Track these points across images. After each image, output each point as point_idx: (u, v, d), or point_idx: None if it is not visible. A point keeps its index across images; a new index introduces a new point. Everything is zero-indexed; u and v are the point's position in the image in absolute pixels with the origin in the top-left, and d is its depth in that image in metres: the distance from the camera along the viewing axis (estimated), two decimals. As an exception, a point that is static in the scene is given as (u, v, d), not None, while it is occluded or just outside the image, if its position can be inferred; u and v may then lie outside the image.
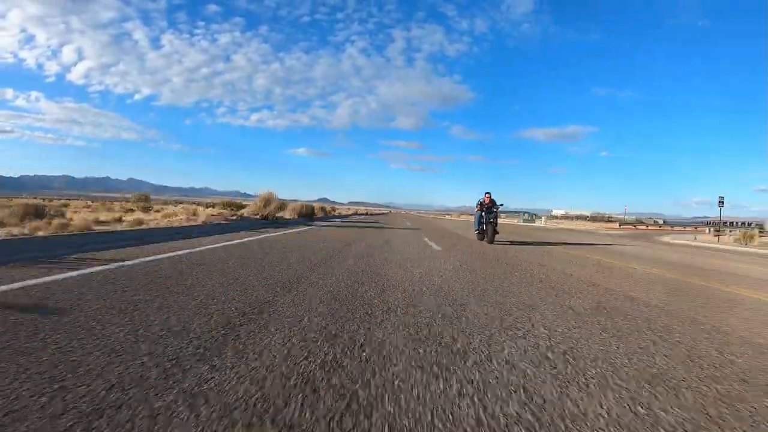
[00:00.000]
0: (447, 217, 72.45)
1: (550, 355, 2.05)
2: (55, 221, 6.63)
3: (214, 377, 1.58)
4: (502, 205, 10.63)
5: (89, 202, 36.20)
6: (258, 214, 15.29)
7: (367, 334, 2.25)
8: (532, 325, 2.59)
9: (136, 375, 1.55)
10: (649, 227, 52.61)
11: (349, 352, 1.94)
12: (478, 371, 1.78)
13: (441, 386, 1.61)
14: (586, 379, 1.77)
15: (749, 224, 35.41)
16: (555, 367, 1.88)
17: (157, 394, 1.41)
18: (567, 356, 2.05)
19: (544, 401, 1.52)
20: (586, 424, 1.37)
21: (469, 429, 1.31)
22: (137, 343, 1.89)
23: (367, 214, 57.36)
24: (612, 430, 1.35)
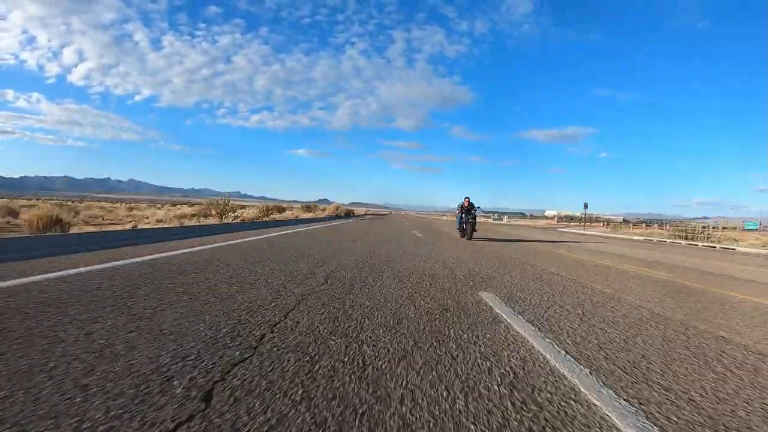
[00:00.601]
0: (443, 218, 75.16)
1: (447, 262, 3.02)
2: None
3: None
4: (479, 207, 12.34)
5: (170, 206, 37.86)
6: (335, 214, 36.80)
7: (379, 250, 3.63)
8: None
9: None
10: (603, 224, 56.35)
11: (370, 265, 4.25)
12: (417, 260, 3.02)
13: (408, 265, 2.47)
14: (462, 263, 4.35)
15: (661, 222, 44.02)
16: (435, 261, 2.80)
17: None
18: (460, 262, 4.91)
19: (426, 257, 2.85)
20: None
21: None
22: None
23: (374, 214, 73.43)
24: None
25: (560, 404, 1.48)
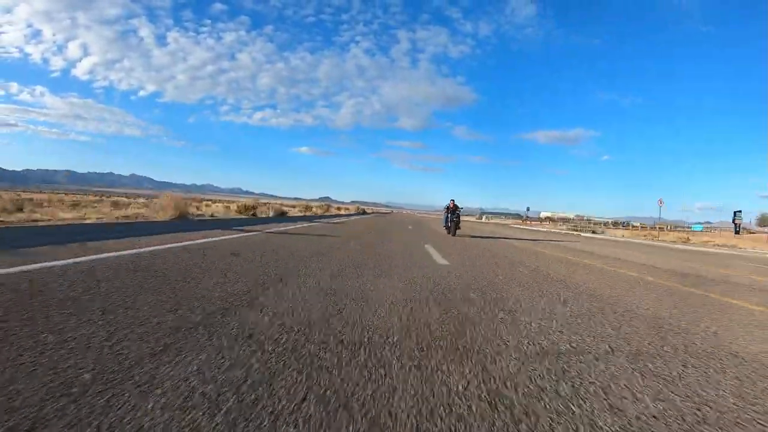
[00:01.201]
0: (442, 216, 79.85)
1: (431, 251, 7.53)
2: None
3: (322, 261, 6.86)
4: (462, 208, 14.35)
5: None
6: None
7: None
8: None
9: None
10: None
11: (374, 246, 7.12)
12: (405, 240, 7.07)
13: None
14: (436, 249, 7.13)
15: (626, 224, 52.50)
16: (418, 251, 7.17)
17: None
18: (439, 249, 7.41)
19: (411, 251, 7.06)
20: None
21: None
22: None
23: (377, 213, 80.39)
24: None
25: (426, 263, 5.86)
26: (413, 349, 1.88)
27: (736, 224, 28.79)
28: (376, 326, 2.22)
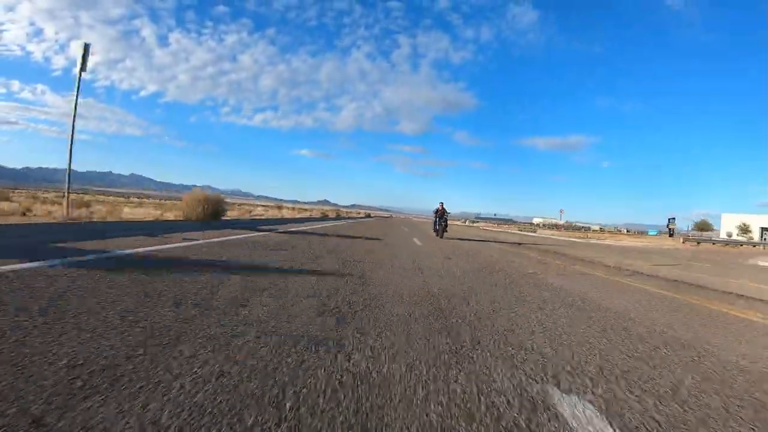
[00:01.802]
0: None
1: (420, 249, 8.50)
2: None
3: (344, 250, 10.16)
4: (449, 213, 15.44)
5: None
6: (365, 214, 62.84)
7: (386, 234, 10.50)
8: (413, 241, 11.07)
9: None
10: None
11: (381, 237, 10.69)
12: (404, 232, 9.83)
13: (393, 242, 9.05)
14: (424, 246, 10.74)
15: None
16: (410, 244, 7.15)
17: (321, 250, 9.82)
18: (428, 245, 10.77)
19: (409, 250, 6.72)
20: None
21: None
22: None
23: (378, 217, 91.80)
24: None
25: (410, 244, 9.46)
26: (401, 266, 5.49)
27: (670, 229, 34.80)
28: (385, 258, 5.91)
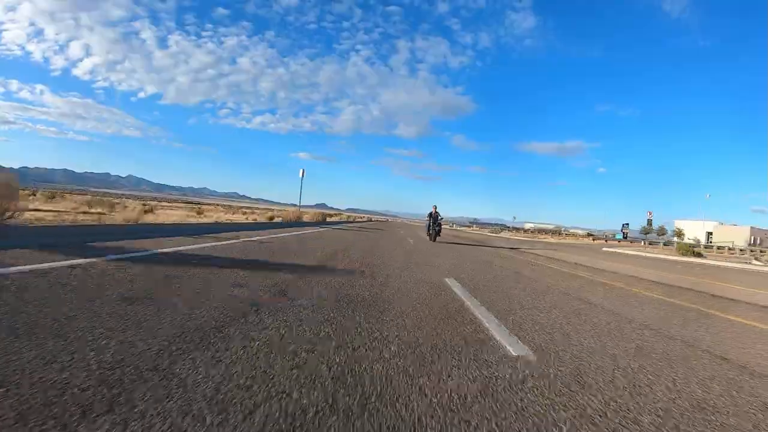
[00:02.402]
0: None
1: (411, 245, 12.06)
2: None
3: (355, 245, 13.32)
4: (442, 218, 16.47)
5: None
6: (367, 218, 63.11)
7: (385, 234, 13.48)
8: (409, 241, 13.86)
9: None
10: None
11: (383, 236, 13.68)
12: (398, 233, 13.06)
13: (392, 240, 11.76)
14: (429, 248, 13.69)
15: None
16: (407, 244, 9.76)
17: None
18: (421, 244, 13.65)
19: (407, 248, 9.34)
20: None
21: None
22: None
23: (376, 221, 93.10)
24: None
25: (405, 243, 12.77)
26: (398, 252, 8.91)
27: (623, 233, 40.20)
28: (389, 250, 9.28)
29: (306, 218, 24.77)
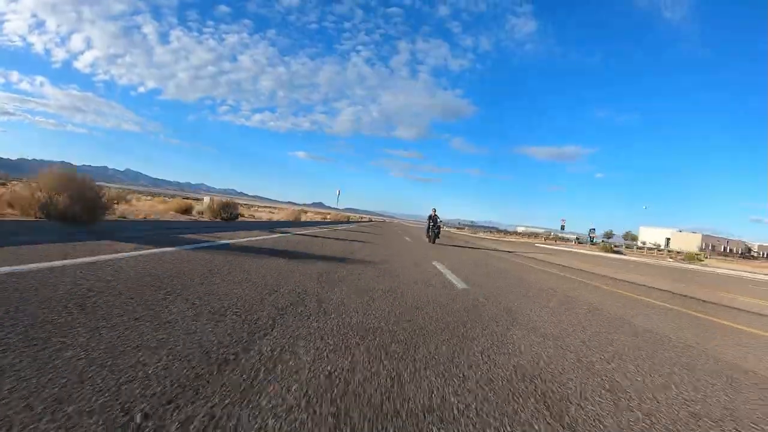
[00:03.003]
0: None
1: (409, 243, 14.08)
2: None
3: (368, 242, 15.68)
4: (442, 220, 17.53)
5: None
6: (369, 219, 67.23)
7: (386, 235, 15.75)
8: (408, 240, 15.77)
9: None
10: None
11: (385, 236, 15.90)
12: (399, 233, 15.10)
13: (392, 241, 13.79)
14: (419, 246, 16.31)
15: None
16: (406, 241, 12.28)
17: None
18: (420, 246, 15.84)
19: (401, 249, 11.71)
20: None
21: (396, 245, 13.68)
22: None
23: (375, 221, 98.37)
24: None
25: (402, 241, 14.70)
26: (399, 243, 11.27)
27: (591, 237, 43.63)
28: (395, 243, 11.63)
29: (329, 218, 30.23)
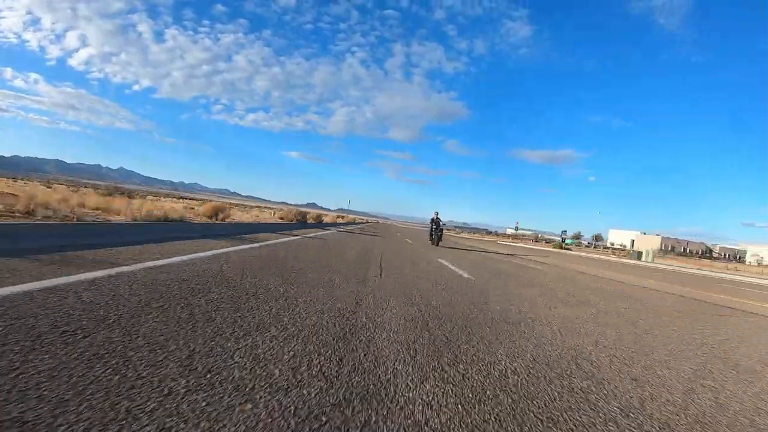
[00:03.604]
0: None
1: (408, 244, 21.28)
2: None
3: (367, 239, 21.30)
4: (444, 224, 17.69)
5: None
6: (365, 221, 71.32)
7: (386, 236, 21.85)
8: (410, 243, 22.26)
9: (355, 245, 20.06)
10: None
11: (385, 237, 21.87)
12: (398, 235, 22.06)
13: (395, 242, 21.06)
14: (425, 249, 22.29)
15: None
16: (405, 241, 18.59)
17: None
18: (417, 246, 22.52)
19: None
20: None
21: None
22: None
23: (367, 223, 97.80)
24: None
25: (403, 243, 20.42)
26: (397, 241, 17.17)
27: (563, 238, 51.20)
28: (397, 240, 17.56)
29: (326, 220, 34.19)
